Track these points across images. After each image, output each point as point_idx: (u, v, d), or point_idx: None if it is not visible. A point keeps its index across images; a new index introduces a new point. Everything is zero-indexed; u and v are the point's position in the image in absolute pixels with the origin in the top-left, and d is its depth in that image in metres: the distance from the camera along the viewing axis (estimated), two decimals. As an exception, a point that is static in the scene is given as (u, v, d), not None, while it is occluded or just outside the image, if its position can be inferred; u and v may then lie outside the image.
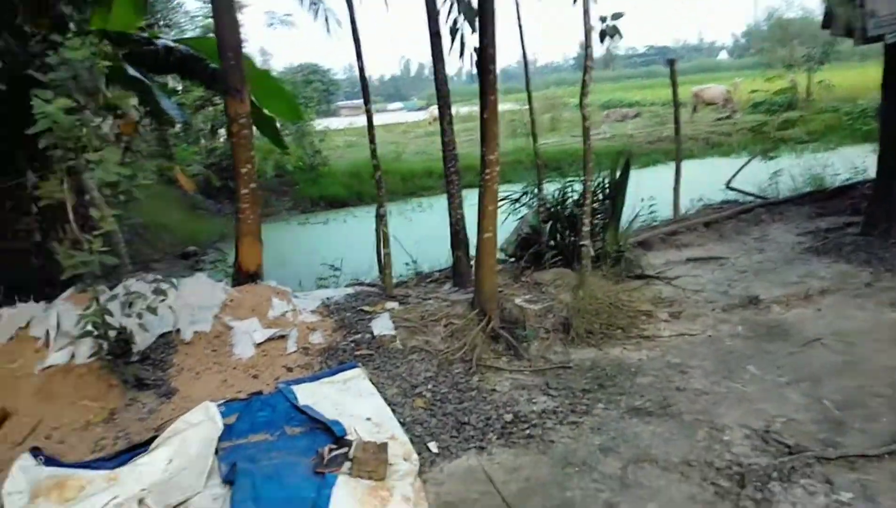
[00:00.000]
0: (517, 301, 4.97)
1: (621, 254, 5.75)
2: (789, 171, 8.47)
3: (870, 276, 5.26)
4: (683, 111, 29.01)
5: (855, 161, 8.69)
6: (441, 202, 15.61)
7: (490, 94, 4.43)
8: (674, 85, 7.20)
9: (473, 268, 5.14)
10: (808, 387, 3.74)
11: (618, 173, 5.82)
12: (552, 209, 5.99)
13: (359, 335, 4.47)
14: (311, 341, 4.39)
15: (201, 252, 12.51)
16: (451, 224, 5.87)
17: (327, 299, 5.03)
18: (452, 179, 5.92)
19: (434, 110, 35.46)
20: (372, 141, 5.38)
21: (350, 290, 5.50)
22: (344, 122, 48.34)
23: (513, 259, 6.16)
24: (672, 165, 19.38)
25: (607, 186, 5.78)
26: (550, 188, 6.55)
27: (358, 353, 4.27)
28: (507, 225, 6.50)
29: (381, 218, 5.49)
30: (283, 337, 4.37)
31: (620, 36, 4.33)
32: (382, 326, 4.59)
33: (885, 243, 5.65)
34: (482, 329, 4.62)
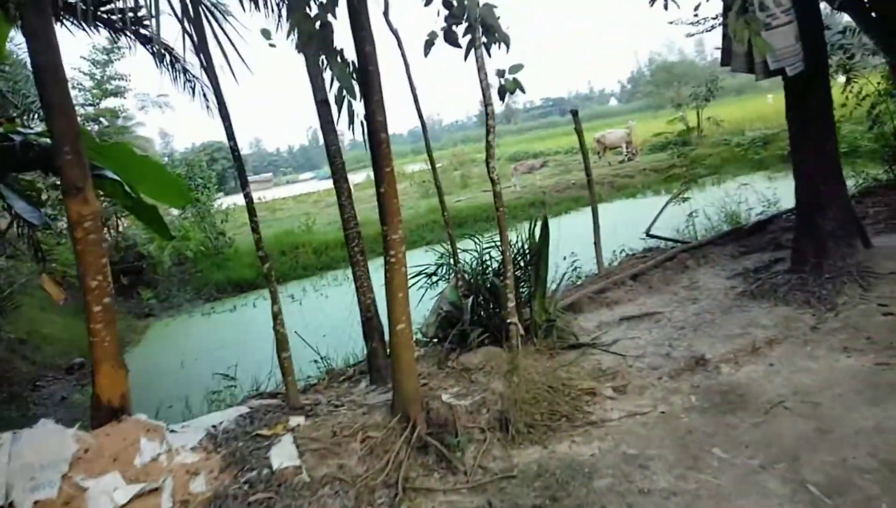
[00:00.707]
0: (445, 397, 4.28)
1: (552, 323, 5.20)
2: (703, 210, 8.37)
3: (813, 318, 4.94)
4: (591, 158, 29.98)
5: (758, 189, 8.71)
6: (378, 263, 14.89)
7: (384, 165, 3.83)
8: (579, 134, 6.93)
9: (391, 363, 4.42)
10: (785, 469, 3.22)
11: (537, 235, 5.32)
12: (472, 281, 5.40)
13: (254, 473, 3.61)
14: (192, 489, 3.49)
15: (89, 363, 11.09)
16: (362, 311, 5.15)
17: (214, 427, 4.13)
18: (358, 260, 5.23)
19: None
20: (255, 229, 4.59)
21: (244, 408, 4.62)
22: (234, 199, 47.51)
23: (436, 340, 5.49)
24: (584, 210, 19.49)
25: (527, 250, 5.26)
26: (468, 256, 5.99)
27: (252, 499, 3.41)
28: (426, 302, 5.86)
29: (275, 317, 4.69)
30: (154, 490, 3.45)
31: (523, 91, 3.89)
32: (284, 454, 3.76)
33: (819, 279, 5.39)
34: (406, 440, 3.88)
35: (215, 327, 12.96)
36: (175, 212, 18.07)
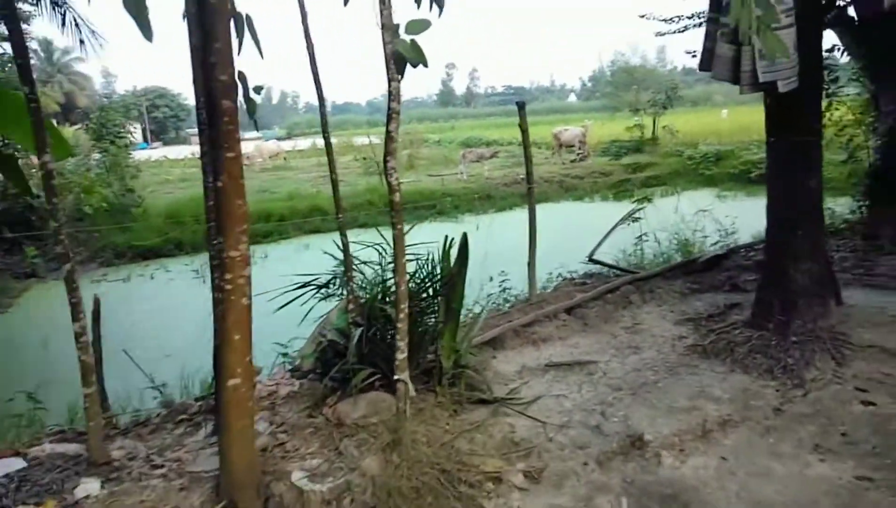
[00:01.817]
0: (296, 477, 3.12)
1: (462, 369, 4.11)
2: (654, 233, 7.43)
3: (776, 395, 4.02)
4: (540, 153, 29.11)
5: (716, 215, 7.85)
6: (280, 252, 13.36)
7: (225, 148, 2.60)
8: (524, 132, 5.82)
9: (219, 431, 3.21)
10: None
11: (454, 256, 4.19)
12: (367, 304, 4.23)
13: None
14: None
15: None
16: (216, 332, 3.92)
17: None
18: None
19: (266, 147, 32.40)
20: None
21: (20, 462, 3.33)
22: (188, 151, 44.26)
23: (313, 375, 4.33)
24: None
25: (439, 274, 4.12)
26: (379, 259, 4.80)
27: None
28: (313, 316, 4.66)
29: (77, 338, 3.37)
30: None
31: (425, 64, 2.74)
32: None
33: (785, 342, 4.49)
34: (224, 546, 2.72)
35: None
36: (73, 161, 16.07)
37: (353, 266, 4.55)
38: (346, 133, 65.80)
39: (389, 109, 2.89)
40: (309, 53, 3.89)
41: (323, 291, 4.62)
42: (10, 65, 15.04)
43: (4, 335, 10.10)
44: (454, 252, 4.05)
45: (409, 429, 3.37)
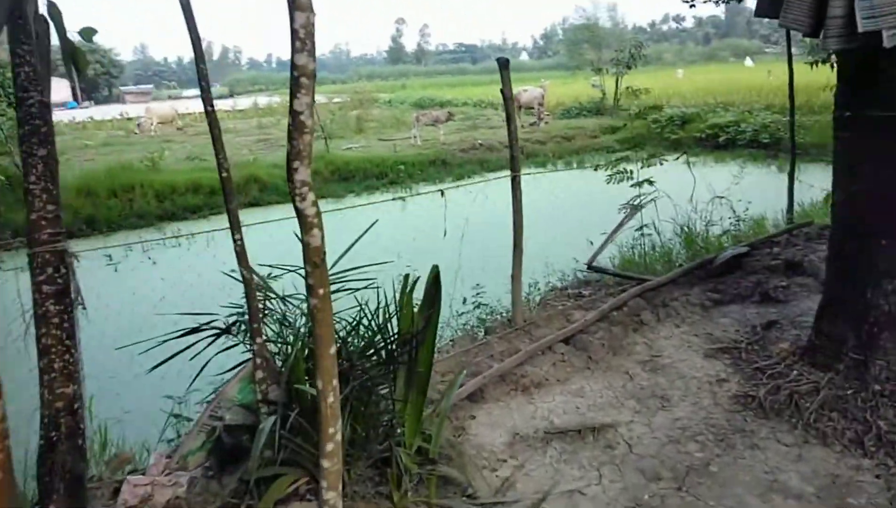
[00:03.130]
0: None
1: (432, 464, 2.76)
2: (653, 221, 6.11)
3: (879, 484, 2.82)
4: (497, 115, 27.56)
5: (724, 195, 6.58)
6: (205, 234, 11.56)
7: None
8: (506, 99, 4.39)
9: None
10: None
11: (423, 298, 2.79)
12: (285, 370, 2.80)
13: None
14: None
15: None
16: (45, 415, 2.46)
17: None
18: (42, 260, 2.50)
19: (157, 109, 29.16)
20: None
21: None
22: (119, 110, 40.65)
23: (206, 471, 2.90)
24: (490, 177, 17.18)
25: (395, 323, 2.71)
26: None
27: None
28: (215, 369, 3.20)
29: None
30: None
31: None
32: None
33: (866, 391, 3.31)
34: None
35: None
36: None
37: (268, 300, 3.10)
38: (266, 92, 62.49)
39: (295, 87, 1.41)
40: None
41: (227, 336, 3.16)
42: None
43: None
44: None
45: None
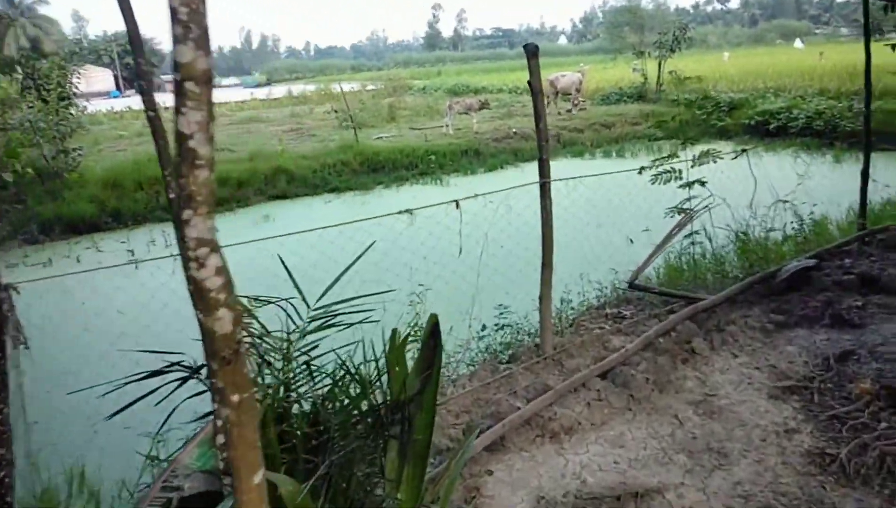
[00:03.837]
0: None
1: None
2: (704, 228, 5.38)
3: None
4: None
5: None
6: (226, 229, 11.03)
7: None
8: (533, 90, 3.77)
9: None
10: None
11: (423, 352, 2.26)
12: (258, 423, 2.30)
13: None
14: None
15: None
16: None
17: None
18: None
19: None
20: None
21: None
22: (159, 99, 40.74)
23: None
24: (524, 166, 16.47)
25: (384, 393, 2.18)
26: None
27: None
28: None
29: None
30: None
31: None
32: None
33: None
34: None
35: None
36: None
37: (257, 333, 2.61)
38: (328, 79, 62.49)
39: (179, 98, 0.90)
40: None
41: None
42: None
43: None
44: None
45: None
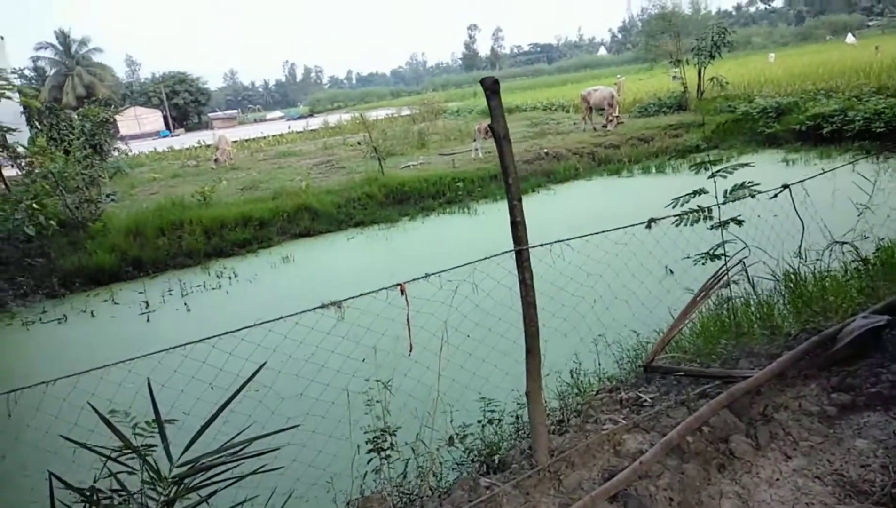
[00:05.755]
0: None
1: None
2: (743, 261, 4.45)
3: None
4: (568, 118, 25.85)
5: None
6: (253, 267, 10.53)
7: None
8: (499, 143, 3.11)
9: None
10: None
11: None
12: None
13: None
14: None
15: None
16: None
17: None
18: None
19: (224, 141, 24.46)
20: None
21: None
22: (201, 137, 41.58)
23: None
24: (558, 189, 15.56)
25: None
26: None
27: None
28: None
29: None
30: None
31: None
32: None
33: None
34: None
35: (21, 353, 9.12)
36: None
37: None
38: (367, 106, 62.84)
39: None
40: None
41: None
42: None
43: None
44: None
45: None
